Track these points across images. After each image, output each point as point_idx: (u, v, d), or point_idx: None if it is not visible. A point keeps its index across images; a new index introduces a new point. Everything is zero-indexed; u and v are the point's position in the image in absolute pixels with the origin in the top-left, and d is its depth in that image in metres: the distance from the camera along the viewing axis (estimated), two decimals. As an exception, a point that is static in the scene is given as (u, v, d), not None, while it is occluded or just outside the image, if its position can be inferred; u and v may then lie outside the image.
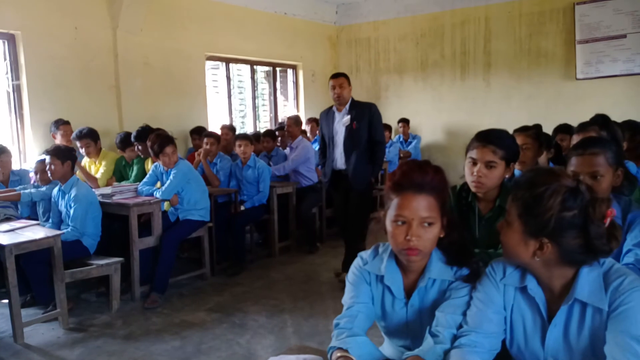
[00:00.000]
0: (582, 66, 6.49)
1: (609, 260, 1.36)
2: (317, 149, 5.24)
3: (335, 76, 4.52)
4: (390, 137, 7.54)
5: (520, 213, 1.33)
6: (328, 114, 4.66)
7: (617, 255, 1.83)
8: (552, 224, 1.28)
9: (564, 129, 4.69)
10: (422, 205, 1.46)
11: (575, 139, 3.11)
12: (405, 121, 7.73)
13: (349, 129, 4.45)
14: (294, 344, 3.21)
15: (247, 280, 4.75)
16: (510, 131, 3.11)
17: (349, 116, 4.46)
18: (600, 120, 3.13)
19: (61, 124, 4.93)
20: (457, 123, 7.46)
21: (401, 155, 7.40)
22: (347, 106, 4.49)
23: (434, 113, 7.80)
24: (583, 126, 3.19)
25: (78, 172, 4.59)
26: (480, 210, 2.05)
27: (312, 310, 3.94)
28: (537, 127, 3.36)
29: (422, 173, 1.47)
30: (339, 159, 4.54)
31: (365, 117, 4.43)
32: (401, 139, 7.74)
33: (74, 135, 4.91)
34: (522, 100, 6.96)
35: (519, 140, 2.97)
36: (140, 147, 4.96)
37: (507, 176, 2.02)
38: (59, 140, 4.88)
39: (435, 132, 7.82)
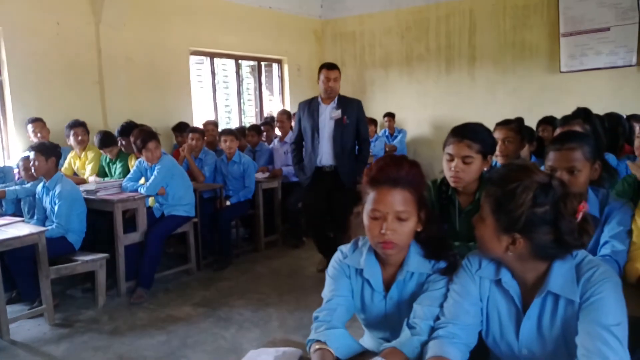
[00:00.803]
0: (566, 59, 6.52)
1: (582, 252, 1.38)
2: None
3: (331, 67, 4.31)
4: (375, 132, 7.58)
5: (492, 209, 1.35)
6: (311, 105, 4.44)
7: (594, 247, 1.87)
8: (523, 219, 1.30)
9: (546, 121, 4.76)
10: (397, 200, 1.48)
11: (559, 132, 3.16)
12: (390, 115, 7.75)
13: (339, 124, 4.32)
14: (274, 337, 3.25)
15: (233, 274, 4.76)
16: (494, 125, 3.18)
17: (339, 110, 4.32)
18: (583, 114, 3.17)
19: (32, 121, 4.88)
20: (443, 117, 7.50)
21: (387, 149, 7.43)
22: (336, 100, 4.36)
23: (420, 107, 7.83)
24: (566, 119, 3.23)
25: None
26: (460, 204, 2.09)
27: (297, 304, 3.97)
28: (519, 121, 3.40)
29: (397, 168, 1.49)
30: (325, 155, 4.38)
31: (354, 112, 4.38)
32: (387, 133, 7.77)
33: (68, 124, 4.92)
34: (507, 94, 7.01)
35: (501, 134, 3.02)
36: (124, 143, 4.95)
37: (485, 169, 2.06)
38: (32, 137, 4.83)
39: (421, 126, 7.86)
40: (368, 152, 4.58)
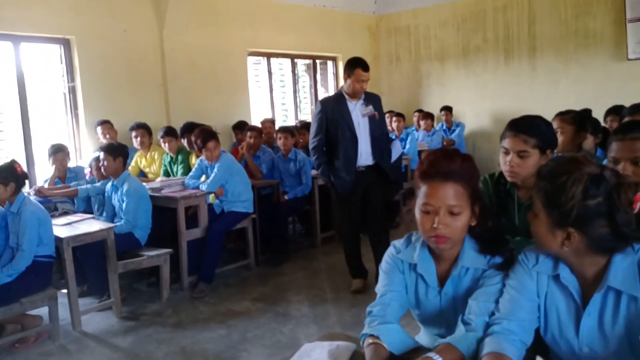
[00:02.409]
0: (633, 46, 6.16)
1: None
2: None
3: (367, 69, 4.00)
4: (432, 126, 7.46)
5: (544, 204, 1.32)
6: (338, 102, 4.08)
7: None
8: (575, 213, 1.26)
9: (614, 111, 4.52)
10: (449, 194, 1.46)
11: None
12: (447, 109, 7.61)
13: (372, 120, 4.07)
14: (329, 332, 3.27)
15: (291, 270, 4.84)
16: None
17: (370, 106, 4.07)
18: None
19: (101, 123, 5.17)
20: (502, 109, 7.28)
21: (444, 143, 7.31)
22: (362, 96, 4.09)
23: (478, 99, 7.64)
24: (635, 108, 3.07)
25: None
26: (519, 198, 2.03)
27: (354, 300, 3.99)
28: (581, 112, 3.25)
29: (448, 161, 1.48)
30: (364, 154, 4.06)
31: (379, 107, 4.17)
32: (444, 127, 7.63)
33: (130, 126, 5.19)
34: (570, 84, 6.71)
35: (554, 124, 2.90)
36: (186, 141, 5.16)
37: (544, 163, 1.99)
38: (101, 138, 5.11)
39: (480, 119, 7.67)
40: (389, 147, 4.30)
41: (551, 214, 1.31)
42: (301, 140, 6.00)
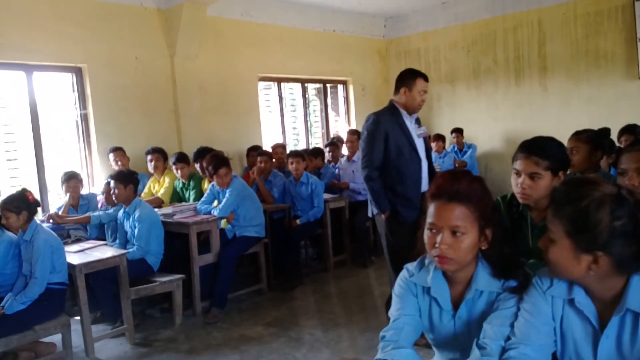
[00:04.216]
0: (645, 65, 6.14)
1: None
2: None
3: (427, 79, 3.64)
4: (444, 147, 7.45)
5: (568, 230, 1.28)
6: (397, 118, 3.58)
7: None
8: (605, 236, 1.24)
9: (628, 130, 4.48)
10: (453, 214, 1.46)
11: None
12: (458, 131, 7.59)
13: (425, 141, 3.73)
14: (341, 357, 3.23)
15: (303, 294, 4.80)
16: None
17: (423, 126, 3.73)
18: None
19: (113, 150, 5.22)
20: (514, 130, 7.26)
21: (456, 165, 7.28)
22: (414, 115, 3.68)
23: (489, 121, 7.62)
24: None
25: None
26: (532, 219, 2.01)
27: (367, 324, 3.94)
28: (599, 130, 3.22)
29: (454, 182, 1.48)
30: (424, 179, 3.63)
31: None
32: (456, 149, 7.61)
33: (147, 150, 5.26)
34: (582, 104, 6.67)
35: (569, 143, 2.88)
36: (199, 166, 5.20)
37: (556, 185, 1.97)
38: (113, 165, 5.17)
39: (492, 141, 7.64)
40: None
41: (577, 239, 1.28)
42: (311, 163, 6.03)
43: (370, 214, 3.77)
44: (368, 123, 3.60)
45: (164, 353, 3.68)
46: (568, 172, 2.11)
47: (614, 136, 4.16)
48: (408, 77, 3.61)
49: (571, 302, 1.38)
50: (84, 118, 5.37)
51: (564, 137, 2.89)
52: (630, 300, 1.27)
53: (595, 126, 3.45)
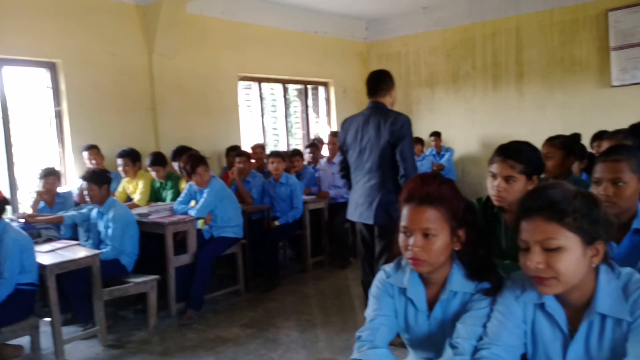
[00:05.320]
0: (617, 73, 6.31)
1: (628, 270, 1.34)
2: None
3: None
4: (422, 151, 7.51)
5: (577, 227, 1.27)
6: None
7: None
8: (603, 224, 1.31)
9: (599, 137, 4.57)
10: (424, 217, 1.48)
11: (604, 145, 3.06)
12: (437, 134, 7.67)
13: None
14: (317, 357, 3.22)
15: (281, 295, 4.78)
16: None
17: None
18: (630, 128, 3.07)
19: (87, 148, 5.11)
20: (491, 134, 7.36)
21: (434, 168, 7.34)
22: None
23: (467, 125, 7.71)
24: (610, 134, 3.16)
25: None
26: (506, 222, 2.04)
27: (344, 324, 3.94)
28: (570, 136, 3.29)
29: (424, 185, 1.51)
30: None
31: None
32: (434, 152, 7.68)
33: (117, 152, 5.13)
34: (557, 110, 6.80)
35: (543, 149, 2.95)
36: (177, 165, 5.14)
37: (530, 188, 2.00)
38: (88, 163, 5.06)
39: (469, 144, 7.73)
40: None
41: (584, 234, 1.28)
42: (295, 166, 5.99)
43: (377, 222, 3.52)
44: (408, 125, 3.46)
45: (137, 355, 3.62)
46: (542, 177, 2.14)
47: (586, 142, 4.24)
48: (391, 79, 3.67)
49: (542, 306, 1.40)
50: (58, 115, 5.26)
51: (538, 142, 2.94)
52: (599, 303, 1.30)
53: (569, 132, 3.52)
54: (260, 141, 6.91)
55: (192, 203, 4.66)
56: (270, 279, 5.03)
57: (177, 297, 4.34)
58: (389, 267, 1.68)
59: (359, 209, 3.60)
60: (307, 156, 6.54)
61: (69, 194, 4.89)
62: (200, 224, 4.71)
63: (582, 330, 1.33)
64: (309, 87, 8.07)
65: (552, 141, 3.04)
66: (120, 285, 3.98)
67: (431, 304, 1.58)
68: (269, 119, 7.51)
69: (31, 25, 4.92)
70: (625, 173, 1.83)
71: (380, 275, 1.68)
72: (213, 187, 4.55)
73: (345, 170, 3.82)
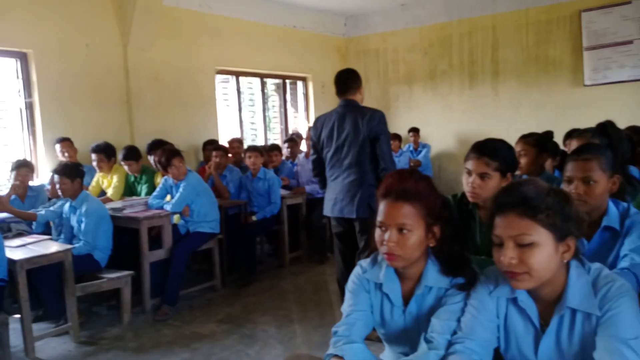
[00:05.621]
0: (589, 73, 6.46)
1: (597, 266, 1.37)
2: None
3: None
4: (400, 147, 7.55)
5: (550, 223, 1.30)
6: None
7: (615, 260, 1.82)
8: (575, 220, 1.33)
9: (573, 134, 4.66)
10: (400, 212, 1.49)
11: (573, 144, 3.12)
12: (415, 130, 7.73)
13: None
14: (293, 352, 3.23)
15: (258, 291, 4.76)
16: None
17: None
18: (596, 128, 3.12)
19: (60, 141, 4.99)
20: (467, 131, 7.45)
21: (412, 164, 7.40)
22: None
23: (444, 122, 7.79)
24: (579, 132, 3.23)
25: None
26: (480, 218, 2.07)
27: (321, 319, 3.94)
28: (543, 134, 3.34)
29: (401, 181, 1.52)
30: None
31: None
32: (411, 148, 7.74)
33: (91, 147, 5.02)
34: (531, 108, 6.93)
35: (517, 147, 3.00)
36: (153, 158, 5.05)
37: (504, 185, 2.03)
38: (60, 157, 4.96)
39: (446, 141, 7.81)
40: None
41: (556, 230, 1.31)
42: (274, 161, 5.96)
43: (359, 215, 3.55)
44: (384, 120, 3.61)
45: (111, 351, 3.57)
46: (515, 174, 2.18)
47: (559, 140, 4.32)
48: (359, 77, 3.77)
49: (514, 301, 1.43)
50: (29, 106, 5.11)
51: (514, 139, 2.99)
52: (570, 298, 1.33)
53: (543, 130, 3.58)
54: (238, 135, 6.86)
55: (168, 197, 4.60)
56: (247, 274, 5.01)
57: (152, 292, 4.29)
58: (365, 262, 1.69)
59: (339, 205, 3.63)
60: (285, 151, 6.53)
61: (41, 187, 4.78)
62: (175, 218, 4.65)
63: (553, 324, 1.36)
64: (288, 81, 8.04)
65: (525, 139, 3.09)
66: (94, 281, 3.92)
67: (407, 299, 1.60)
68: (246, 113, 7.45)
69: (1, 13, 4.77)
70: (595, 172, 1.87)
71: (356, 271, 1.69)
72: (189, 182, 4.50)
73: (318, 169, 3.84)
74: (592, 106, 6.31)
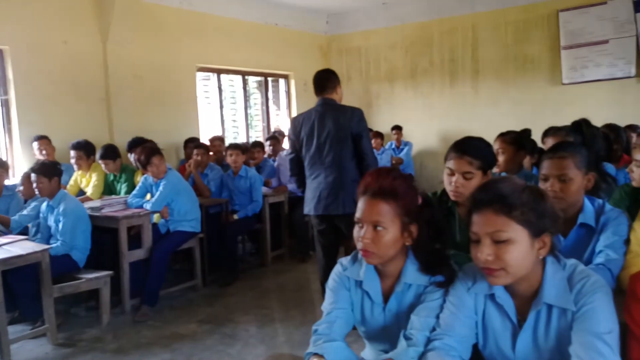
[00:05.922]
0: (567, 71, 6.58)
1: (573, 262, 1.39)
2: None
3: None
4: (382, 144, 7.58)
5: (525, 220, 1.31)
6: None
7: (590, 256, 1.86)
8: (550, 216, 1.35)
9: (551, 132, 4.72)
10: (375, 210, 1.50)
11: (549, 142, 3.16)
12: (398, 128, 7.76)
13: None
14: (274, 352, 3.22)
15: (239, 290, 4.74)
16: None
17: None
18: (571, 126, 3.17)
19: (37, 139, 4.90)
20: (448, 129, 7.51)
21: (394, 162, 7.43)
22: None
23: (425, 120, 7.84)
24: (554, 130, 3.27)
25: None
26: (460, 215, 2.08)
27: (303, 318, 3.94)
28: (521, 132, 3.38)
29: (379, 179, 1.52)
30: None
31: None
32: (393, 146, 7.77)
33: (70, 144, 4.93)
34: (510, 106, 7.01)
35: (495, 144, 3.04)
36: (133, 156, 4.98)
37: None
38: (37, 155, 4.86)
39: (427, 139, 7.86)
40: None
41: (531, 227, 1.32)
42: (255, 158, 5.93)
43: (346, 211, 3.53)
44: (364, 118, 3.68)
45: (89, 353, 3.52)
46: (494, 172, 2.20)
47: (537, 138, 4.38)
48: (337, 77, 3.79)
49: (492, 297, 1.44)
50: (5, 104, 5.02)
51: (492, 136, 3.03)
52: (546, 294, 1.35)
53: (522, 127, 3.62)
54: (220, 134, 6.81)
55: (148, 196, 4.55)
56: (229, 274, 4.98)
57: (131, 293, 4.23)
58: (345, 260, 1.69)
59: (324, 202, 3.63)
60: (267, 149, 6.50)
61: (16, 187, 4.68)
62: (155, 217, 4.60)
63: (530, 320, 1.38)
64: (270, 79, 8.01)
65: (503, 137, 3.12)
66: (72, 282, 3.85)
67: (386, 297, 1.60)
68: (228, 111, 7.41)
69: (-26, 9, 4.67)
70: (570, 169, 1.89)
71: (337, 268, 1.70)
72: (169, 180, 4.45)
73: (297, 168, 3.84)
74: (570, 104, 6.42)
